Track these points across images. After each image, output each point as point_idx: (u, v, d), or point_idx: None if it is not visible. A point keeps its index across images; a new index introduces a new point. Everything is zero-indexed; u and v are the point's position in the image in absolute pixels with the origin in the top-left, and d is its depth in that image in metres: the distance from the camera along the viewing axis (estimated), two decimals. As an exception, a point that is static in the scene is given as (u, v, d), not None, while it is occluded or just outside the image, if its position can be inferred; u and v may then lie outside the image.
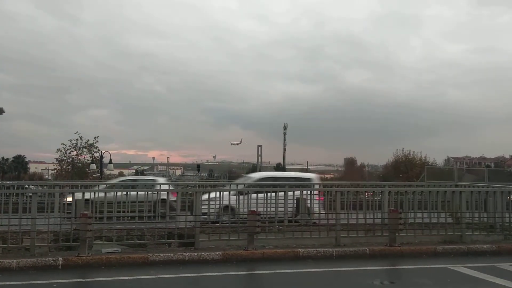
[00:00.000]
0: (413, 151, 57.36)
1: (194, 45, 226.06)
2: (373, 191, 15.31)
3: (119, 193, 12.06)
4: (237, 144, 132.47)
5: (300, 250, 10.85)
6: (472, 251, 11.51)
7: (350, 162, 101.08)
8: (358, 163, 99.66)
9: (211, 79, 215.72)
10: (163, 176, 56.46)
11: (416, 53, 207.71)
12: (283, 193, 12.97)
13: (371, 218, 12.63)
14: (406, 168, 53.66)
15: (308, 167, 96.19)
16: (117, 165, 60.61)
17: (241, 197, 12.35)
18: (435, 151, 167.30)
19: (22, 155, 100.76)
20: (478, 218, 13.16)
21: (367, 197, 14.87)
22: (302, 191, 13.11)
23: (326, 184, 20.22)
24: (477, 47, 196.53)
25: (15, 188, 19.80)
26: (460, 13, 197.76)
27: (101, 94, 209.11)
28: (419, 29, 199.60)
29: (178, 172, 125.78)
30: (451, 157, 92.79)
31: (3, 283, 8.19)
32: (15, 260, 9.30)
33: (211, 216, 12.72)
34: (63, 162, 42.71)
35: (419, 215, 12.74)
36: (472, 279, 8.86)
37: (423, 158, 55.55)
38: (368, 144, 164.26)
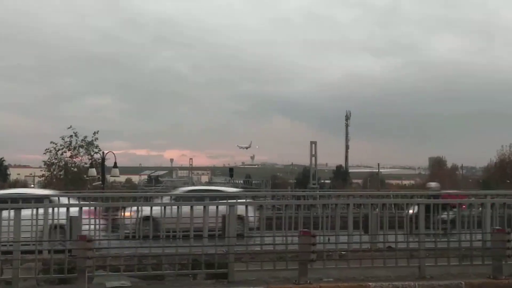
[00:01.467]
0: (527, 147, 56.42)
1: (225, 7, 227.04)
2: (470, 203, 15.06)
3: None
4: (246, 148, 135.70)
5: (371, 284, 10.85)
6: None
7: (437, 164, 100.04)
8: (449, 165, 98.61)
9: (248, 52, 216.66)
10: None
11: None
12: None
13: (468, 241, 12.47)
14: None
15: (380, 170, 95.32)
16: (124, 170, 61.56)
17: None
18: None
19: (1, 157, 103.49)
20: None
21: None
22: None
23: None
24: None
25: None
26: None
27: (104, 76, 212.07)
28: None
29: (205, 178, 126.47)
30: None
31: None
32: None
33: None
34: (54, 166, 43.51)
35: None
36: None
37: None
38: (461, 138, 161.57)
